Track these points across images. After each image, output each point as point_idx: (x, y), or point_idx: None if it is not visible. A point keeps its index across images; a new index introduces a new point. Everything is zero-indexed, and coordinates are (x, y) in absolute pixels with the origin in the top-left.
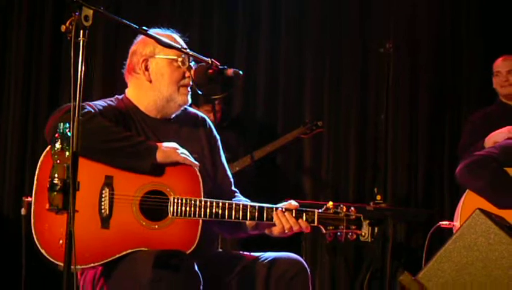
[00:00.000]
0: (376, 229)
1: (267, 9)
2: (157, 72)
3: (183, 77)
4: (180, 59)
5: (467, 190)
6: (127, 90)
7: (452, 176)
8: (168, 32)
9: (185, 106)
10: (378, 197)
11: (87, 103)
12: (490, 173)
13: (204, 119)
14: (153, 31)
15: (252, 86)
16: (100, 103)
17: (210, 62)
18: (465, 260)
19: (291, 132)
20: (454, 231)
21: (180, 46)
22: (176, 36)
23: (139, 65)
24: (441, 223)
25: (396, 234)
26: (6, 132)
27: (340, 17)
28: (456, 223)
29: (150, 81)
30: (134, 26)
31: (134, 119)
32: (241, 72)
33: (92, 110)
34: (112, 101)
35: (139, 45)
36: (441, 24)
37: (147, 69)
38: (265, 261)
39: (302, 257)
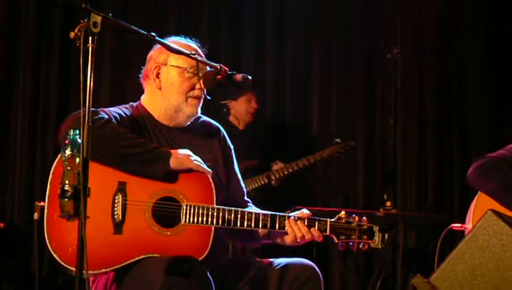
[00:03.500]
0: (386, 235)
1: (272, 19)
2: (167, 80)
3: (193, 88)
4: (191, 70)
5: (479, 192)
6: (142, 97)
7: (462, 180)
8: (187, 41)
9: (196, 116)
10: (388, 203)
11: (102, 109)
12: (502, 175)
13: (218, 129)
14: (172, 39)
15: (260, 91)
16: (115, 110)
17: (219, 68)
18: (478, 261)
19: (324, 149)
20: (465, 234)
21: (188, 52)
22: (194, 45)
23: (152, 72)
24: (452, 225)
25: (406, 239)
26: (16, 138)
27: (347, 23)
28: (468, 226)
29: (160, 89)
30: (143, 32)
31: (148, 126)
32: (250, 77)
33: (106, 116)
34: (126, 108)
35: (155, 52)
36: (447, 28)
37: (158, 76)
38: (278, 266)
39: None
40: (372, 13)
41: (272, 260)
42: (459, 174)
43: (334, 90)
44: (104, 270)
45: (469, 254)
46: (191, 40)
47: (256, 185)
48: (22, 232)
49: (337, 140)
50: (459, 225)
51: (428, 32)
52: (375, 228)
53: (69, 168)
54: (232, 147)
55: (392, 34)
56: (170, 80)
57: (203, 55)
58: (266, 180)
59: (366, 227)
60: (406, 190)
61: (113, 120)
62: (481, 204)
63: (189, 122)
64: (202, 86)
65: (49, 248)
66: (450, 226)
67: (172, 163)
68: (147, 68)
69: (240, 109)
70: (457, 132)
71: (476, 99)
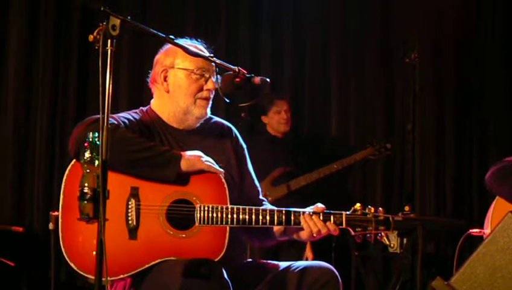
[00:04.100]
0: (405, 240)
1: (290, 23)
2: (174, 83)
3: (201, 90)
4: (198, 71)
5: (497, 197)
6: (152, 101)
7: (481, 185)
8: (193, 43)
9: (206, 117)
10: (407, 207)
11: (111, 115)
12: None
13: (230, 129)
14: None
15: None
16: (124, 115)
17: (237, 70)
18: (498, 263)
19: (358, 152)
20: (484, 238)
21: (207, 55)
22: (202, 47)
23: (159, 75)
24: (471, 230)
25: (425, 244)
26: (35, 143)
27: (364, 28)
28: (486, 230)
29: (168, 92)
30: (161, 34)
31: (158, 130)
32: (268, 80)
33: (115, 122)
34: (136, 112)
35: (161, 55)
36: (466, 32)
37: (165, 79)
38: (297, 269)
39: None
40: (390, 17)
41: (290, 263)
42: (478, 179)
43: (352, 96)
44: (121, 276)
45: (489, 256)
46: (197, 41)
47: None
48: (40, 236)
49: (372, 143)
50: (477, 230)
51: (447, 36)
52: (394, 235)
53: (88, 170)
54: (244, 146)
55: (410, 38)
56: (178, 82)
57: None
58: (287, 190)
59: (382, 217)
60: (425, 194)
61: (122, 125)
62: (499, 209)
63: (199, 124)
64: (219, 88)
65: (66, 257)
66: (468, 232)
67: (183, 165)
68: (154, 72)
69: (272, 121)
70: (476, 137)
71: (496, 103)
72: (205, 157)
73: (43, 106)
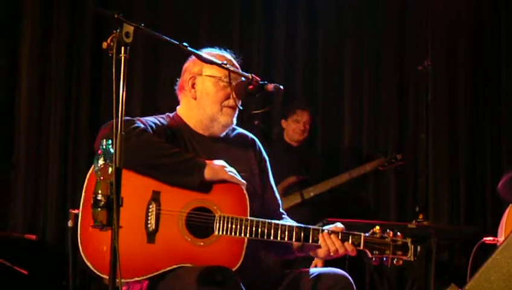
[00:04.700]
0: (419, 247)
1: (304, 34)
2: (202, 90)
3: (228, 98)
4: (225, 79)
5: (510, 205)
6: (178, 108)
7: (494, 193)
8: (222, 52)
9: (232, 127)
10: (420, 215)
11: (138, 118)
12: None
13: (254, 140)
14: (206, 51)
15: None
16: (151, 119)
17: (250, 78)
18: None
19: (368, 163)
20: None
21: (220, 62)
22: (229, 56)
23: (187, 82)
24: (485, 239)
25: (439, 252)
26: (48, 151)
27: (378, 35)
28: (500, 239)
29: (195, 99)
30: (175, 42)
31: (184, 136)
32: (281, 87)
33: (143, 126)
34: (163, 118)
35: (190, 63)
36: (479, 40)
37: (193, 86)
38: (311, 276)
39: None
40: (404, 26)
41: (305, 269)
42: (492, 187)
43: (366, 103)
44: (136, 278)
45: (504, 263)
46: (226, 50)
47: (292, 203)
48: (54, 245)
49: (382, 153)
50: (491, 238)
51: (460, 43)
52: (409, 241)
53: (102, 178)
54: (267, 159)
55: (423, 47)
56: (205, 89)
57: (238, 66)
58: (300, 199)
59: (400, 243)
60: (438, 202)
61: (149, 129)
62: None
63: (224, 133)
64: (234, 96)
65: (83, 255)
66: (482, 240)
67: (207, 173)
68: (183, 79)
69: (289, 128)
70: (490, 144)
71: (510, 110)
72: (229, 168)
73: (56, 113)
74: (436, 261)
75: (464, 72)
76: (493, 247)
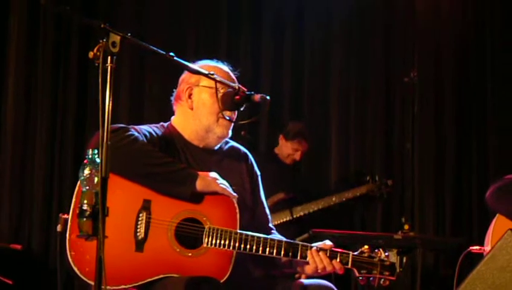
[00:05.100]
0: (405, 258)
1: (291, 44)
2: (199, 100)
3: None
4: (222, 90)
5: (497, 214)
6: (173, 118)
7: (480, 204)
8: (218, 64)
9: (226, 139)
10: (406, 226)
11: (133, 126)
12: None
13: (246, 154)
14: (202, 63)
15: (277, 116)
16: (145, 128)
17: (237, 88)
18: (498, 281)
19: (358, 187)
20: (484, 255)
21: (206, 72)
22: (226, 68)
23: (184, 93)
24: (471, 248)
25: (425, 262)
26: (33, 160)
27: (364, 47)
28: (487, 248)
29: (192, 109)
30: (162, 52)
31: (177, 146)
32: (268, 98)
33: (136, 134)
34: (157, 127)
35: (187, 74)
36: (465, 51)
37: (190, 97)
38: (296, 288)
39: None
40: (390, 38)
41: (290, 281)
42: (478, 198)
43: (352, 114)
44: (123, 286)
45: (489, 275)
46: (223, 63)
47: (281, 220)
48: (39, 254)
49: (373, 178)
50: (477, 247)
51: (446, 55)
52: (393, 253)
53: (87, 187)
54: (259, 173)
55: (409, 57)
56: (202, 100)
57: (235, 79)
58: (290, 217)
59: (388, 263)
60: (424, 213)
61: (143, 138)
62: (500, 226)
63: (219, 144)
64: (220, 106)
65: (70, 261)
66: (468, 249)
67: (199, 185)
68: (179, 90)
69: (284, 150)
70: (476, 156)
71: (496, 122)
72: (221, 180)
73: (42, 122)
74: (422, 272)
75: (450, 84)
76: (479, 256)
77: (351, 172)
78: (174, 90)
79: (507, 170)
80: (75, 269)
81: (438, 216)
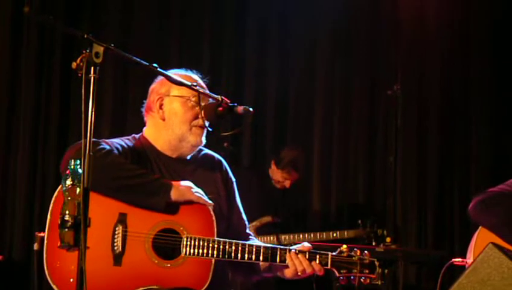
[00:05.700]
0: (386, 271)
1: (275, 56)
2: (170, 110)
3: (197, 117)
4: (194, 98)
5: (480, 227)
6: (144, 129)
7: (462, 216)
8: (188, 72)
9: (200, 147)
10: (388, 239)
11: (104, 140)
12: (504, 210)
13: (220, 161)
14: (173, 72)
15: (260, 128)
16: (117, 141)
17: (220, 100)
18: None
19: (349, 230)
20: (466, 267)
21: (190, 84)
22: (195, 76)
23: (155, 103)
24: (453, 260)
25: (406, 275)
26: (15, 170)
27: (348, 60)
28: (469, 260)
29: (164, 120)
30: (145, 62)
31: (150, 158)
32: (251, 110)
33: (108, 147)
34: (128, 139)
35: (157, 84)
36: (449, 65)
37: (161, 107)
38: None
39: None
40: (374, 51)
41: None
42: (460, 212)
43: (336, 127)
44: None
45: (470, 287)
46: (192, 71)
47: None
48: (20, 265)
49: (363, 223)
50: (460, 259)
51: (429, 68)
52: (377, 263)
53: (69, 198)
54: (234, 180)
55: (392, 70)
56: (174, 110)
57: (204, 86)
58: (277, 242)
59: (367, 261)
60: (406, 225)
61: (115, 151)
62: (482, 239)
63: (192, 154)
64: (202, 116)
65: (49, 279)
66: (451, 261)
67: (174, 195)
68: (150, 101)
69: (273, 173)
70: (459, 169)
71: (479, 137)
72: (195, 189)
73: (24, 132)
74: (404, 284)
75: (433, 97)
76: (462, 268)
77: (333, 188)
78: (144, 101)
79: (490, 184)
80: (55, 286)
81: (420, 229)
